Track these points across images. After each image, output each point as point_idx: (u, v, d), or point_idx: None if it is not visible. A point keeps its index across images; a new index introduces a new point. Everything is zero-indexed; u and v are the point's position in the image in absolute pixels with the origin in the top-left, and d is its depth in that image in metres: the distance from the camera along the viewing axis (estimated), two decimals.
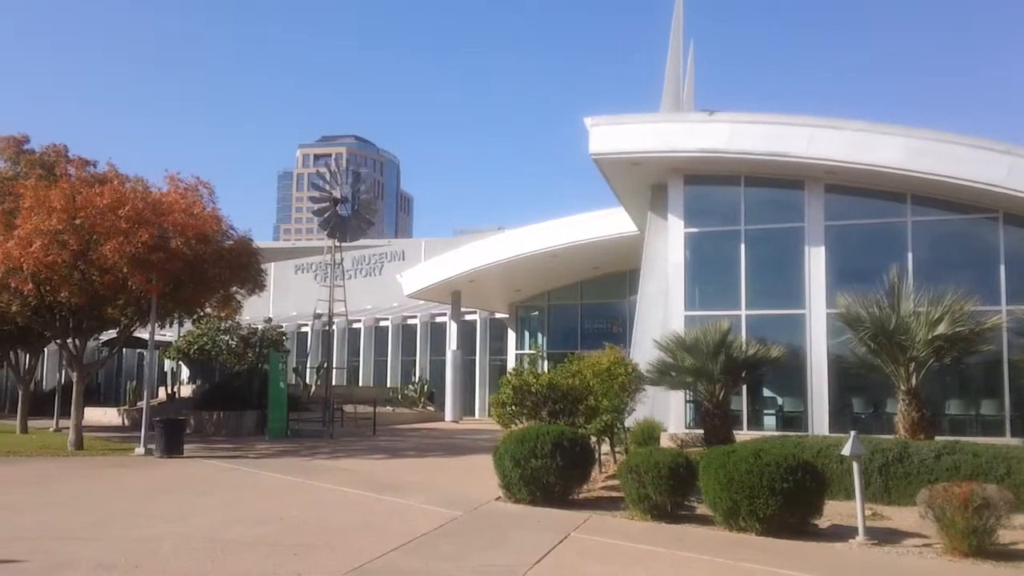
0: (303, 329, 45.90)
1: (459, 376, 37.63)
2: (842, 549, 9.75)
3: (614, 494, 13.10)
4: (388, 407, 35.23)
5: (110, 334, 30.00)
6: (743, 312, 20.04)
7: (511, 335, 40.22)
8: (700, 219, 21.07)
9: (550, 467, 12.22)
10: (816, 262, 19.79)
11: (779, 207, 20.99)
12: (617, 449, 16.99)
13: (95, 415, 33.76)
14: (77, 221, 19.43)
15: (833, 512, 11.21)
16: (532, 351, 36.04)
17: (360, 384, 42.34)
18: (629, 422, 17.56)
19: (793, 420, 19.99)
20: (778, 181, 20.73)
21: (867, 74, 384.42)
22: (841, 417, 19.06)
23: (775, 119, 20.23)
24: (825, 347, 19.32)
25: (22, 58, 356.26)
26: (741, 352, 17.02)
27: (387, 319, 44.62)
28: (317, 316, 31.91)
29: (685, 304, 20.55)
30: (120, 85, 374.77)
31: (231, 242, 23.28)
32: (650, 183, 22.19)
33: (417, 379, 41.29)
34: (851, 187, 19.89)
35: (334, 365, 32.94)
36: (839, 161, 19.12)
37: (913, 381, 14.63)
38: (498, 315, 41.16)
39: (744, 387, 19.46)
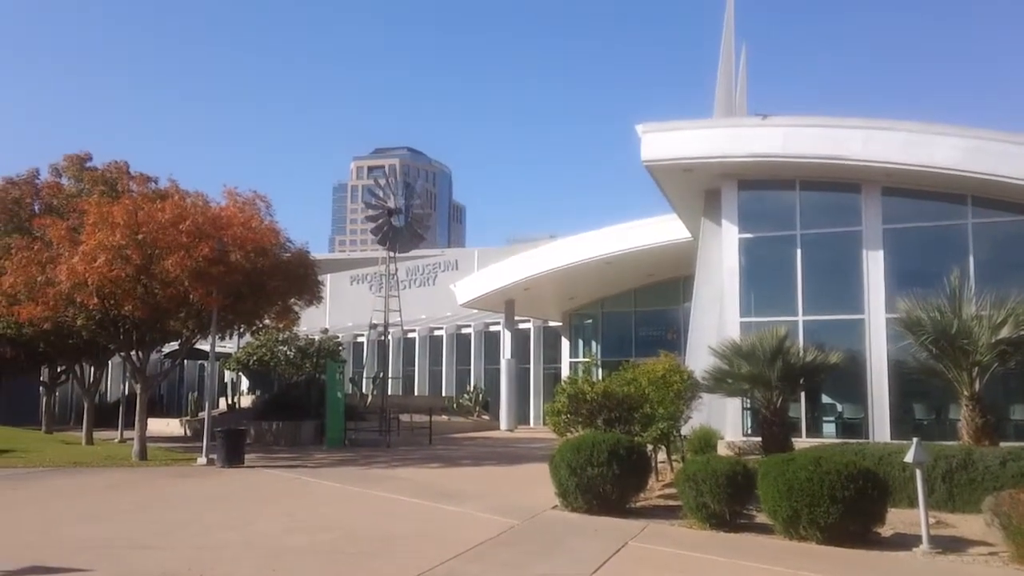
0: (359, 339, 46.35)
1: (513, 385, 37.68)
2: (905, 558, 9.58)
3: (671, 502, 13.03)
4: (443, 416, 35.39)
5: (172, 346, 30.59)
6: (800, 318, 19.82)
7: (565, 343, 40.16)
8: (755, 224, 20.89)
9: (606, 475, 12.19)
10: (874, 266, 19.51)
11: (835, 211, 20.72)
12: (674, 457, 16.88)
13: (158, 426, 34.44)
14: (140, 236, 19.80)
15: (896, 520, 11.02)
16: (586, 359, 35.96)
17: (415, 393, 42.62)
18: (685, 430, 17.45)
19: (853, 427, 19.68)
20: (834, 184, 20.48)
21: (927, 72, 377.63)
22: (902, 423, 18.75)
23: (829, 122, 20.01)
24: (885, 352, 19.02)
25: (80, 73, 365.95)
26: (799, 358, 16.80)
27: (441, 328, 44.85)
28: (372, 326, 32.27)
29: (740, 310, 20.39)
30: (177, 100, 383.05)
31: (288, 254, 23.61)
32: (703, 189, 22.07)
33: (472, 388, 41.41)
34: (909, 189, 19.59)
35: (390, 374, 33.24)
36: (896, 163, 18.85)
37: (976, 386, 14.32)
38: (552, 323, 41.15)
39: (802, 394, 19.21)
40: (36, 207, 25.26)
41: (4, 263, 21.78)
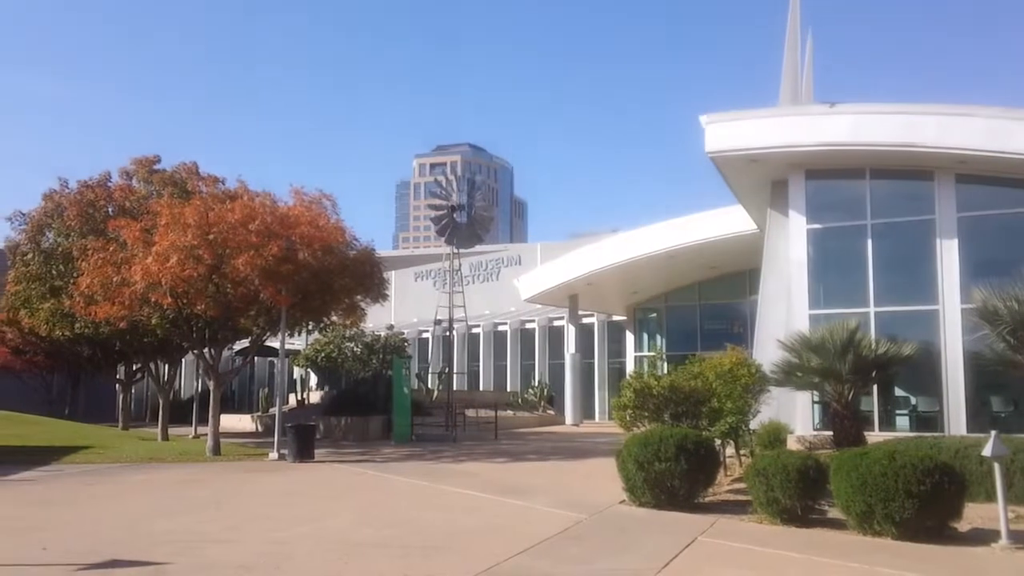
0: (424, 335, 46.73)
1: (578, 379, 37.60)
2: (983, 553, 9.34)
3: (740, 497, 12.88)
4: (508, 411, 35.48)
5: (243, 343, 31.20)
6: (871, 309, 19.40)
7: (629, 337, 39.95)
8: (823, 215, 20.50)
9: (674, 470, 12.10)
10: (949, 256, 19.00)
11: (908, 199, 20.22)
12: (742, 452, 16.69)
13: (230, 421, 35.06)
14: (211, 236, 20.16)
15: (973, 515, 10.75)
16: (651, 353, 35.73)
17: (480, 388, 42.80)
18: (754, 424, 17.21)
19: (928, 420, 19.22)
20: (906, 172, 20.00)
21: (995, 64, 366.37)
22: (979, 416, 18.24)
23: (902, 109, 19.52)
24: (960, 344, 18.51)
25: (150, 75, 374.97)
26: (870, 351, 16.45)
27: (505, 324, 44.97)
28: (437, 322, 32.55)
29: (809, 303, 20.02)
30: (244, 102, 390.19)
31: (355, 252, 23.82)
32: (769, 179, 21.72)
33: (536, 383, 41.42)
34: (985, 176, 19.02)
35: (455, 370, 33.44)
36: (971, 150, 18.30)
37: None
38: (615, 317, 40.97)
39: (874, 387, 18.80)
40: (110, 209, 25.86)
41: (81, 264, 22.35)
